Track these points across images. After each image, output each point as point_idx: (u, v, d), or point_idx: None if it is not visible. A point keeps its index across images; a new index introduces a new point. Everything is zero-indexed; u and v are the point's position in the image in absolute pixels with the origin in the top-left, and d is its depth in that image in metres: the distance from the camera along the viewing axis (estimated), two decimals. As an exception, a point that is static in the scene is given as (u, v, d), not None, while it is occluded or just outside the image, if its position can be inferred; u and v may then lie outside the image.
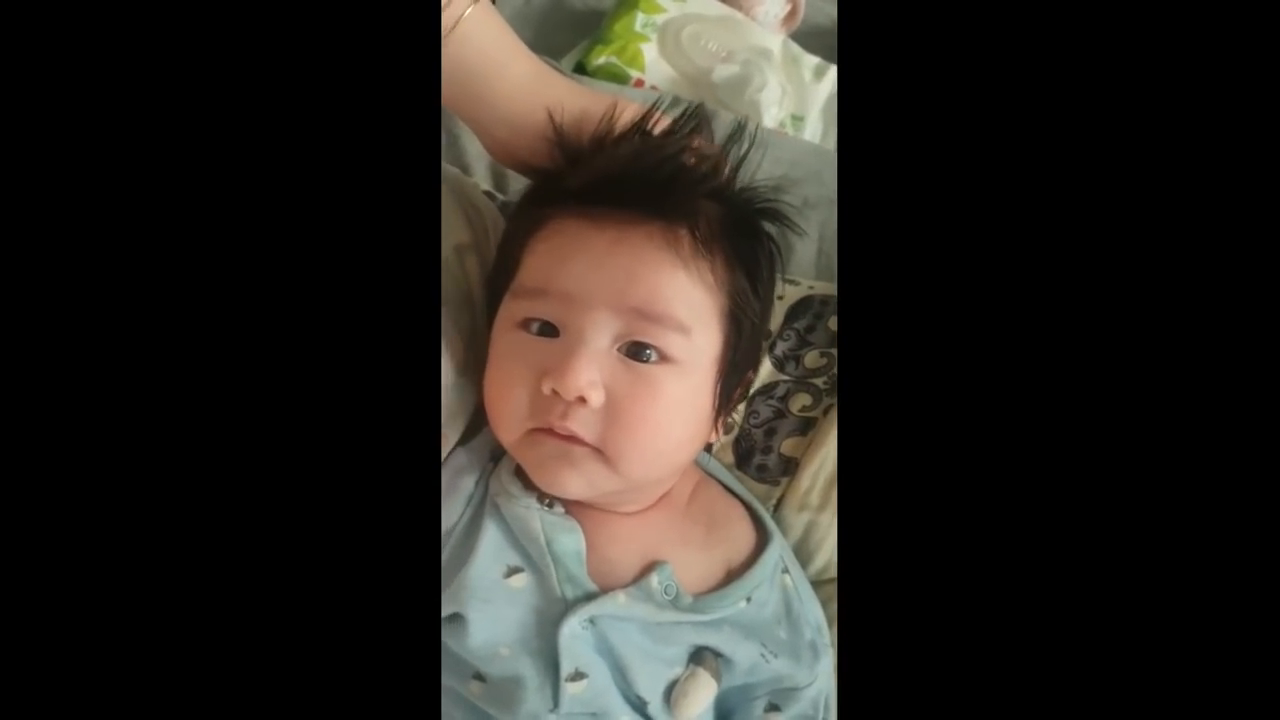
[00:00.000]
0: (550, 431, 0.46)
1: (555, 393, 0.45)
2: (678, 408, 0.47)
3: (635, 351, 0.46)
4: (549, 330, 0.47)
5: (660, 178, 0.47)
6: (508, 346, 0.49)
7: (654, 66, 0.87)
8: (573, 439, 0.46)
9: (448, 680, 0.49)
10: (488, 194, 0.70)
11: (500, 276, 0.52)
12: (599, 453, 0.46)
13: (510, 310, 0.49)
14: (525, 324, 0.48)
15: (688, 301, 0.46)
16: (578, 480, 0.46)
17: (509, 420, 0.48)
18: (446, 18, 0.49)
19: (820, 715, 0.51)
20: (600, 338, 0.46)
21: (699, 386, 0.48)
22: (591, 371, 0.45)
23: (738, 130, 0.52)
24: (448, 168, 0.71)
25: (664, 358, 0.46)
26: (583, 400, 0.45)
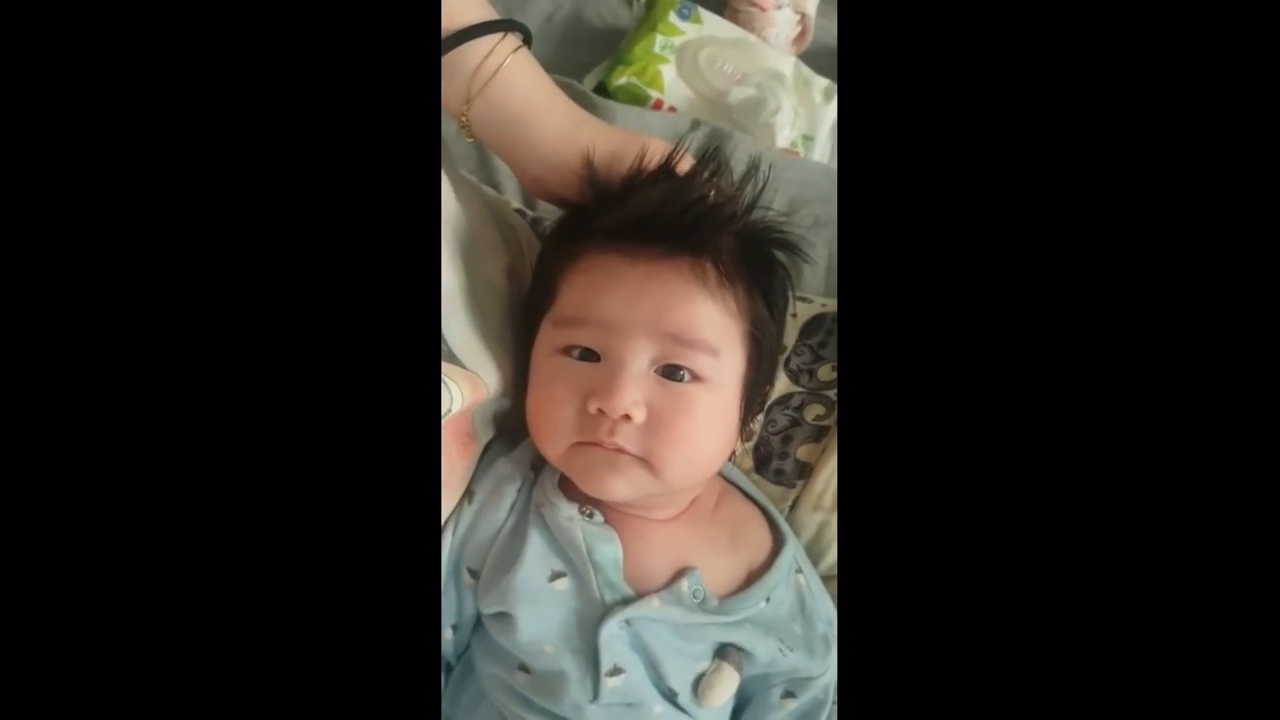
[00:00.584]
0: (596, 443, 0.50)
1: (601, 412, 0.49)
2: (710, 421, 0.51)
3: (670, 372, 0.50)
4: (590, 355, 0.51)
5: (688, 219, 0.50)
6: (552, 371, 0.52)
7: (673, 87, 0.91)
8: (619, 450, 0.50)
9: (494, 669, 0.53)
10: (518, 211, 0.74)
11: (537, 305, 0.55)
12: (643, 461, 0.50)
13: (552, 338, 0.52)
14: (567, 350, 0.51)
15: (715, 327, 0.51)
16: (623, 484, 0.50)
17: (556, 436, 0.51)
18: (488, 65, 0.52)
19: (830, 699, 0.55)
20: (639, 361, 0.50)
21: (727, 401, 0.52)
22: (635, 392, 0.49)
23: (753, 168, 0.56)
24: (484, 188, 0.75)
25: (696, 377, 0.50)
26: (627, 418, 0.49)
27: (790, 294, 0.58)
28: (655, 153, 0.55)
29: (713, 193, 0.53)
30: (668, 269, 0.50)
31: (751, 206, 0.55)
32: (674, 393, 0.50)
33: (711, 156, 0.55)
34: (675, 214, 0.50)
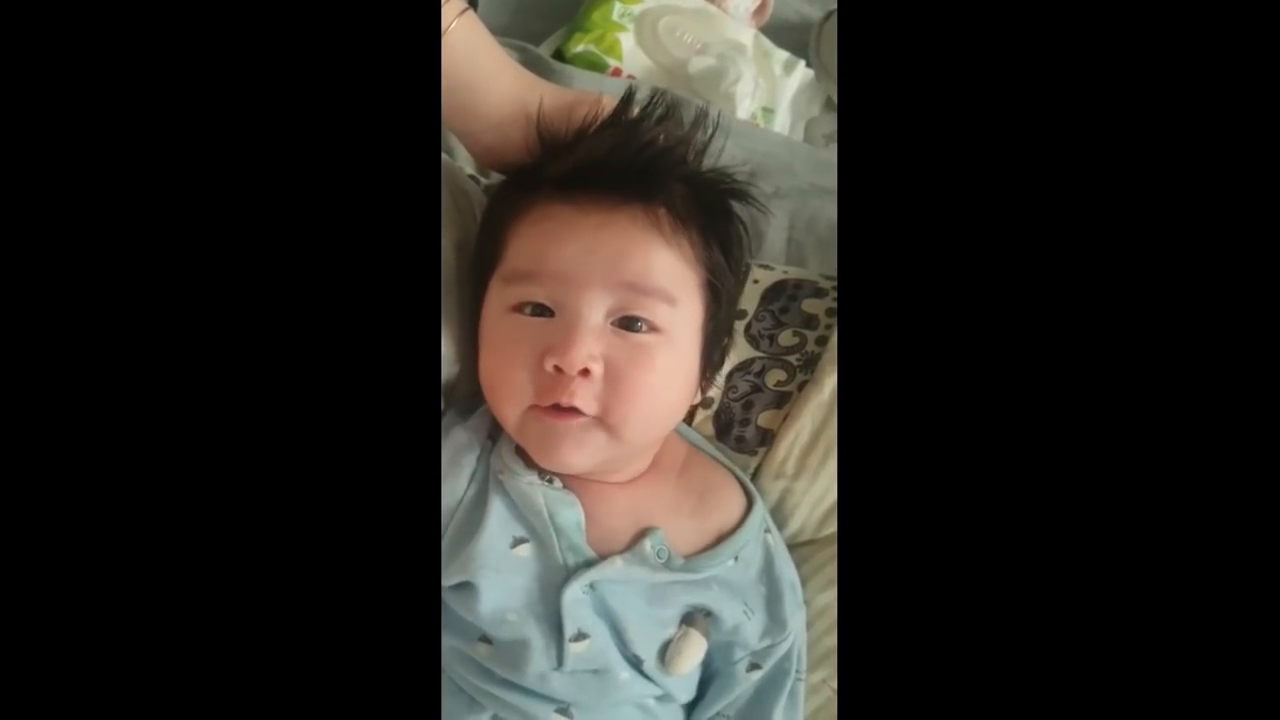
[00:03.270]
0: (551, 409, 0.48)
1: (558, 369, 0.47)
2: (669, 372, 0.50)
3: (627, 323, 0.49)
4: (543, 311, 0.49)
5: (638, 165, 0.49)
6: (505, 330, 0.50)
7: (631, 56, 0.89)
8: (574, 412, 0.48)
9: (454, 642, 0.51)
10: (471, 178, 0.72)
11: (484, 262, 0.53)
12: (600, 422, 0.48)
13: (503, 295, 0.50)
14: (519, 307, 0.50)
15: (672, 274, 0.50)
16: (579, 454, 0.49)
17: (512, 399, 0.49)
18: None
19: (794, 666, 0.55)
20: (595, 313, 0.48)
21: (686, 352, 0.51)
22: (591, 345, 0.47)
23: (701, 116, 0.54)
24: (437, 153, 0.73)
25: (653, 328, 0.49)
26: (586, 373, 0.47)
27: (748, 244, 0.57)
28: (609, 106, 0.53)
29: (662, 137, 0.51)
30: (621, 217, 0.49)
31: (702, 152, 0.54)
32: (632, 344, 0.48)
33: (659, 100, 0.53)
34: (625, 160, 0.49)
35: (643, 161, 0.49)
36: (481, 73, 0.53)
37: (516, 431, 0.51)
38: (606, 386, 0.48)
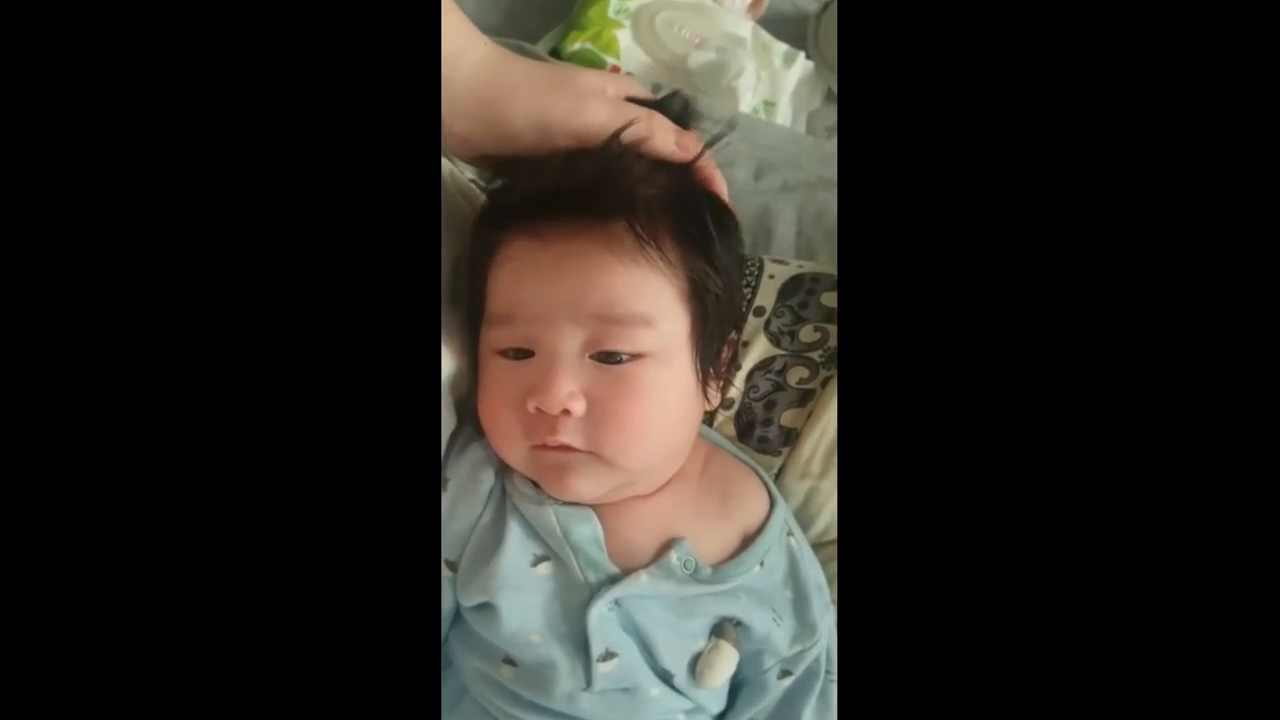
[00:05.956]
0: (543, 445, 0.46)
1: (540, 410, 0.45)
2: (659, 397, 0.47)
3: (606, 356, 0.46)
4: (523, 353, 0.47)
5: (586, 185, 0.45)
6: (493, 374, 0.49)
7: (629, 53, 0.87)
8: (567, 449, 0.46)
9: (478, 663, 0.49)
10: (473, 182, 0.70)
11: (474, 304, 0.51)
12: (595, 456, 0.46)
13: (488, 340, 0.49)
14: (504, 351, 0.48)
15: (644, 294, 0.46)
16: (585, 483, 0.47)
17: (508, 443, 0.48)
18: None
19: (823, 669, 0.53)
20: (568, 350, 0.45)
21: (678, 370, 0.48)
22: (569, 384, 0.45)
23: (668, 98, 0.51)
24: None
25: (635, 355, 0.46)
26: (567, 412, 0.45)
27: (735, 231, 0.53)
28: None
29: (618, 151, 0.47)
30: (581, 243, 0.45)
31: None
32: (613, 376, 0.46)
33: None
34: (574, 181, 0.45)
35: (589, 182, 0.46)
36: (445, 51, 0.46)
37: (521, 468, 0.49)
38: (591, 421, 0.46)
